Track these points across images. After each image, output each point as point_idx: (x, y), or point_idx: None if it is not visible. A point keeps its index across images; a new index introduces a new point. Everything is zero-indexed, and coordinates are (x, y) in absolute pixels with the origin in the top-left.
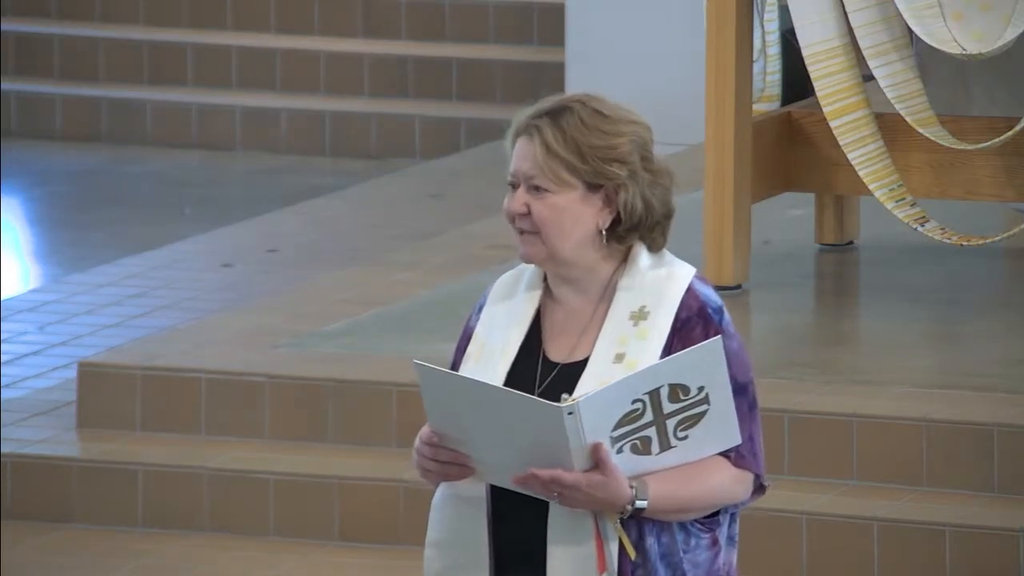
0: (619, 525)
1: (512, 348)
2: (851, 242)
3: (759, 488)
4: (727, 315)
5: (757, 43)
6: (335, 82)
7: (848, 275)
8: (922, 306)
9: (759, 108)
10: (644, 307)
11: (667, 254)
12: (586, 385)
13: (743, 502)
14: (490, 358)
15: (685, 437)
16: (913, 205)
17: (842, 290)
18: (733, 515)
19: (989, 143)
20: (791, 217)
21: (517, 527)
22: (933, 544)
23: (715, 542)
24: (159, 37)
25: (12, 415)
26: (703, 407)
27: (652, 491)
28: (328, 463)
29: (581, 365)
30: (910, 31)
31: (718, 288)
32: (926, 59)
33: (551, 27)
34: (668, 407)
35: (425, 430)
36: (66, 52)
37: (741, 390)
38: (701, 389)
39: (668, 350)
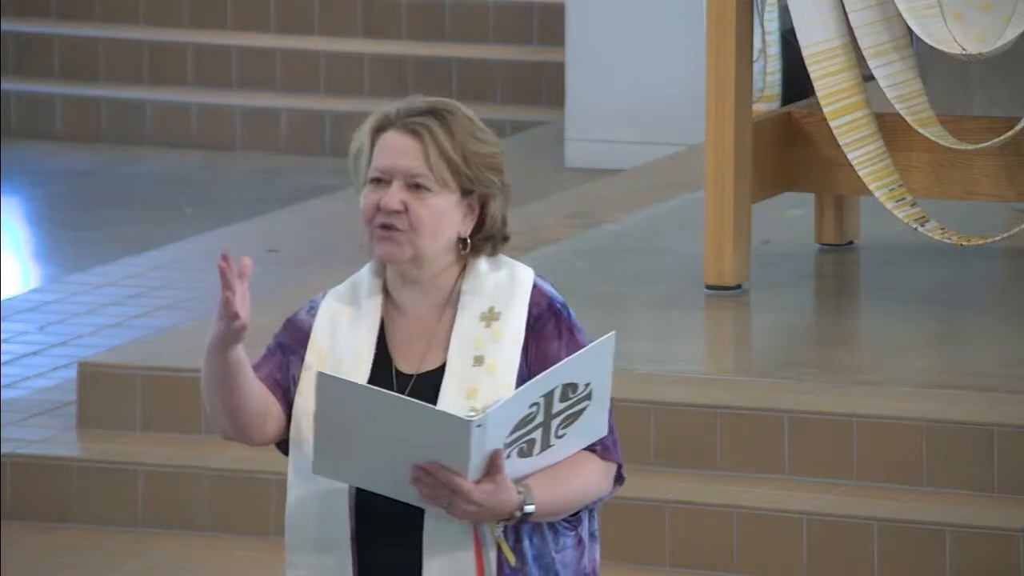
0: (499, 532)
1: (365, 362)
2: (851, 242)
3: (618, 479)
4: (571, 310)
5: (757, 43)
6: (335, 82)
7: (848, 275)
8: (922, 306)
9: (759, 108)
10: (493, 308)
11: (502, 257)
12: (449, 392)
13: (606, 495)
14: (339, 369)
15: (563, 435)
16: (913, 205)
17: (842, 290)
18: (592, 511)
19: (989, 143)
20: (791, 217)
21: (385, 545)
22: (933, 544)
23: (580, 540)
24: (159, 37)
25: (12, 415)
26: (585, 403)
27: (536, 494)
28: None
29: (437, 373)
30: (910, 31)
31: (719, 288)
32: (926, 59)
33: (551, 27)
34: (557, 407)
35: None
36: (66, 52)
37: None
38: (587, 386)
39: (525, 350)
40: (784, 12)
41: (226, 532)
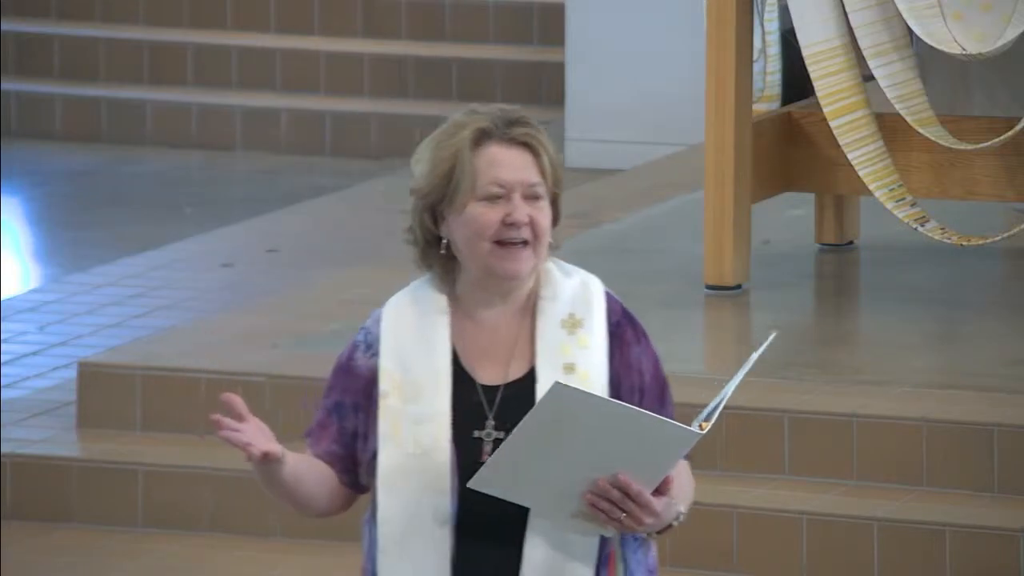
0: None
1: (445, 379)
2: (851, 242)
3: None
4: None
5: (757, 43)
6: (335, 82)
7: (848, 275)
8: (922, 306)
9: (759, 108)
10: (573, 315)
11: (561, 262)
12: None
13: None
14: (420, 393)
15: None
16: (913, 205)
17: (842, 290)
18: None
19: (989, 143)
20: (791, 217)
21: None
22: (933, 544)
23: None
24: (159, 37)
25: (12, 415)
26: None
27: (682, 500)
28: None
29: (525, 383)
30: (910, 31)
31: (719, 288)
32: (926, 59)
33: (551, 27)
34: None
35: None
36: (66, 52)
37: (666, 383)
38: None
39: (610, 356)
40: (784, 12)
41: (226, 532)
